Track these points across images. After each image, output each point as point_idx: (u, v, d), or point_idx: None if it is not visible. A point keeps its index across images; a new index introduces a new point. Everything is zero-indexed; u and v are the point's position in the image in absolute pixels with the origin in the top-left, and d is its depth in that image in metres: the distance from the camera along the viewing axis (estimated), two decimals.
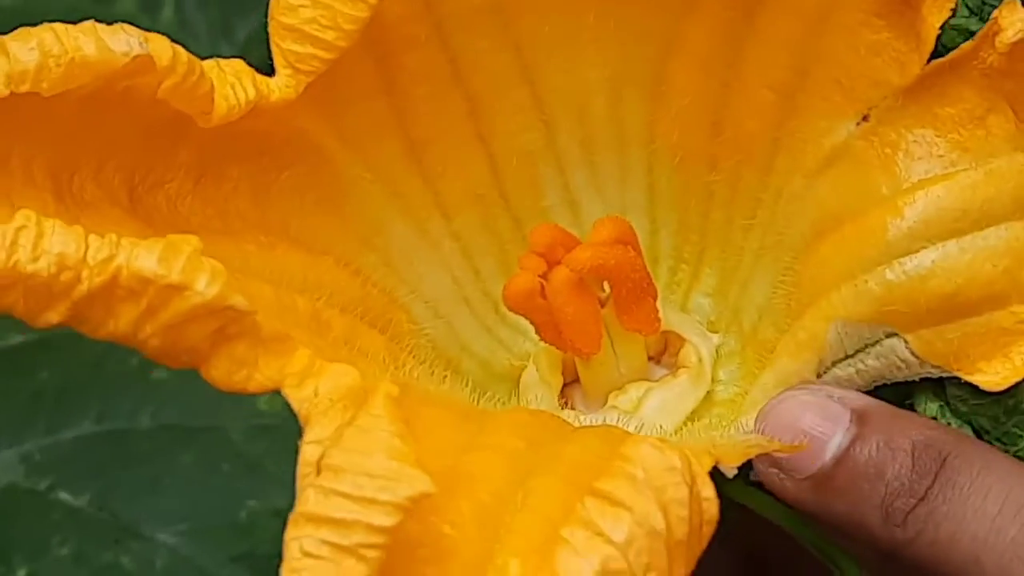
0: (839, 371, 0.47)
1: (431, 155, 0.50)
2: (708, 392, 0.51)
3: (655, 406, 0.50)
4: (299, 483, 0.39)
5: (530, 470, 0.42)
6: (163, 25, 0.80)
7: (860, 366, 0.47)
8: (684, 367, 0.51)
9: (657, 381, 0.51)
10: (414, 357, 0.49)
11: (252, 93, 0.44)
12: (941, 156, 0.46)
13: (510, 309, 0.49)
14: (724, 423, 0.50)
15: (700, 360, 0.51)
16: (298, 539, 0.37)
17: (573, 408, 0.51)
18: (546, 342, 0.50)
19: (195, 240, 0.40)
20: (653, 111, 0.51)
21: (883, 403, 0.46)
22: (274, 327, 0.41)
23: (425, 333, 0.51)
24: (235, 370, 0.41)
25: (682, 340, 0.52)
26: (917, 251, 0.46)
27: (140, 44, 0.41)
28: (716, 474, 0.47)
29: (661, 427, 0.49)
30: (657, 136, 0.51)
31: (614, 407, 0.50)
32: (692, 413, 0.51)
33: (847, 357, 0.47)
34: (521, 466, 0.42)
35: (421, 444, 0.40)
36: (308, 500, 0.37)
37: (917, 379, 0.47)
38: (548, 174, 0.52)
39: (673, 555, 0.39)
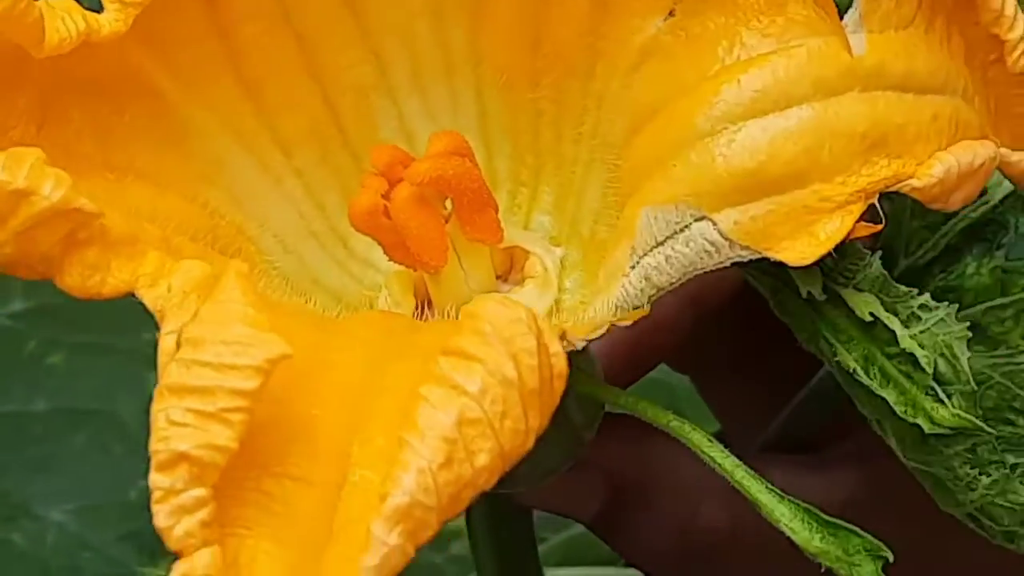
0: (650, 259, 0.48)
1: (266, 93, 0.52)
2: (556, 301, 0.53)
3: None
4: (159, 370, 0.40)
5: (388, 356, 0.43)
6: None
7: (670, 252, 0.48)
8: (530, 277, 0.53)
9: (505, 293, 0.53)
10: (267, 287, 0.51)
11: (82, 25, 0.45)
12: (743, 43, 0.48)
13: (357, 229, 0.51)
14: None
15: (545, 269, 0.53)
16: (164, 410, 0.39)
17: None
18: (395, 261, 0.52)
19: (38, 151, 0.42)
20: (475, 33, 0.53)
21: None
22: (123, 230, 0.43)
23: (276, 266, 0.52)
24: (88, 275, 0.43)
25: (527, 254, 0.54)
26: (720, 132, 0.47)
27: None
28: None
29: None
30: (482, 58, 0.54)
31: None
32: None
33: (657, 244, 0.48)
34: (379, 353, 0.44)
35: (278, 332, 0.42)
36: (171, 373, 0.39)
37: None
38: (382, 106, 0.54)
39: (527, 403, 0.41)
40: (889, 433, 0.50)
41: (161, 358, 0.40)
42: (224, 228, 0.51)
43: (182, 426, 0.38)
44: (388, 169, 0.51)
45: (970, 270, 0.57)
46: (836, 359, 0.50)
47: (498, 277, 0.54)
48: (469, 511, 0.63)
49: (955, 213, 0.58)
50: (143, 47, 0.48)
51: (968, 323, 0.54)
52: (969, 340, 0.54)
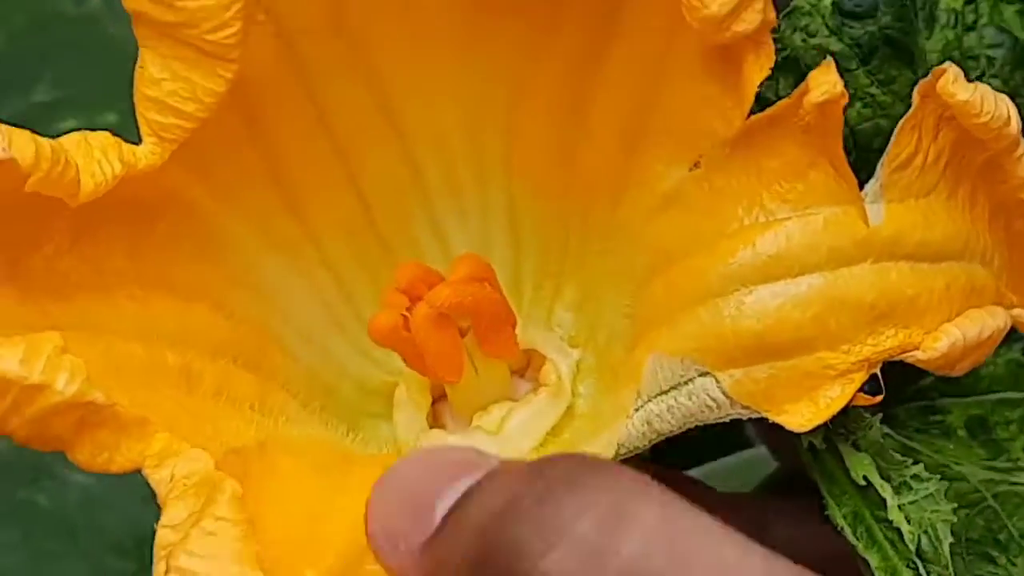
0: (653, 406, 0.50)
1: (301, 196, 0.54)
2: (569, 406, 0.55)
3: (517, 425, 0.54)
4: (155, 566, 0.43)
5: None
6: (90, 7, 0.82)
7: (672, 403, 0.49)
8: (544, 385, 0.55)
9: (519, 400, 0.55)
10: (287, 391, 0.53)
11: (119, 168, 0.47)
12: (763, 205, 0.49)
13: (376, 343, 0.53)
14: (584, 436, 0.53)
15: (559, 378, 0.55)
16: None
17: (443, 427, 0.55)
18: (413, 370, 0.54)
19: (56, 338, 0.43)
20: (509, 147, 0.54)
21: None
22: (135, 413, 0.45)
23: (298, 361, 0.54)
24: (97, 454, 0.45)
25: (543, 357, 0.55)
26: (731, 293, 0.49)
27: (2, 149, 0.44)
28: None
29: (519, 446, 0.53)
30: (514, 168, 0.55)
31: (479, 427, 0.54)
32: (553, 428, 0.54)
33: (662, 392, 0.49)
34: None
35: (274, 506, 0.44)
36: None
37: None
38: (415, 206, 0.55)
39: None
40: None
41: (156, 551, 0.43)
42: (248, 336, 0.52)
43: None
44: (411, 287, 0.52)
45: (987, 359, 0.58)
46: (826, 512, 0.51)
47: (514, 373, 0.56)
48: None
49: None
50: (179, 167, 0.49)
51: (976, 425, 0.56)
52: (971, 443, 0.56)
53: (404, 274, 0.52)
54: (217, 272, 0.52)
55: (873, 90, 0.55)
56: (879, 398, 0.50)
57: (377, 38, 0.53)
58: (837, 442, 0.51)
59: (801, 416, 0.49)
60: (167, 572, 0.42)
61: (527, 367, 0.56)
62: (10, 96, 0.78)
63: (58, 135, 0.46)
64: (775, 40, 0.53)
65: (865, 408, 0.50)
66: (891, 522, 0.50)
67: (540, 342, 0.56)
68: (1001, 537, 0.53)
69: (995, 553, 0.52)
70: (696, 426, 0.50)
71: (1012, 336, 0.57)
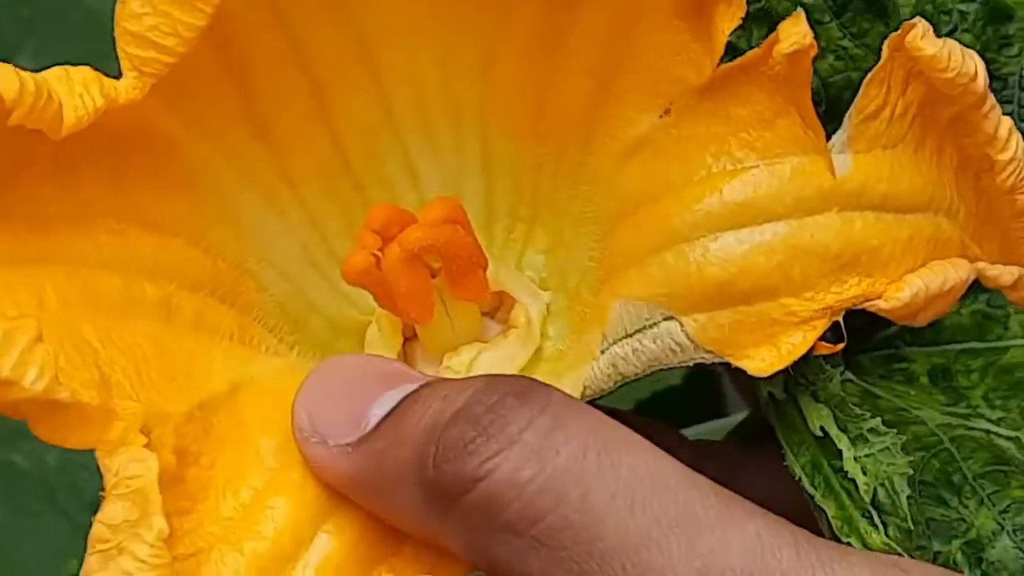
0: (618, 349, 0.51)
1: (276, 132, 0.54)
2: (538, 348, 0.56)
3: (485, 366, 0.55)
4: (87, 558, 0.44)
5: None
6: None
7: (637, 346, 0.50)
8: (514, 327, 0.56)
9: (488, 342, 0.55)
10: (263, 325, 0.54)
11: (100, 101, 0.47)
12: (731, 153, 0.50)
13: (349, 283, 0.54)
14: (551, 377, 0.54)
15: (528, 320, 0.56)
16: None
17: (414, 365, 0.56)
18: (384, 308, 0.55)
19: (31, 327, 0.44)
20: (484, 90, 0.55)
21: None
22: (98, 405, 0.46)
23: (274, 297, 0.55)
24: (55, 432, 0.46)
25: (513, 300, 0.56)
26: (697, 239, 0.49)
27: None
28: None
29: None
30: (488, 111, 0.55)
31: (448, 367, 0.55)
32: (521, 370, 0.55)
33: (627, 336, 0.51)
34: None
35: (227, 471, 0.47)
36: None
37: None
38: (388, 145, 0.56)
39: None
40: None
41: (91, 543, 0.44)
42: (225, 272, 0.53)
43: None
44: (384, 228, 0.53)
45: (951, 308, 0.59)
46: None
47: (485, 314, 0.57)
48: None
49: None
50: (157, 99, 0.50)
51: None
52: (933, 390, 0.57)
53: (377, 215, 0.53)
54: (194, 208, 0.53)
55: (845, 43, 0.55)
56: (840, 346, 0.51)
57: None
58: (797, 393, 0.52)
59: (763, 361, 0.50)
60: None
61: (498, 308, 0.57)
62: None
63: None
64: None
65: (829, 357, 0.51)
66: (848, 472, 0.51)
67: (511, 284, 0.56)
68: (955, 479, 0.54)
69: (948, 495, 0.53)
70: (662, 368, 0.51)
71: (977, 287, 0.58)
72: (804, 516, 0.53)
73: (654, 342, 0.51)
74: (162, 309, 0.50)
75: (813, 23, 0.53)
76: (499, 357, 0.55)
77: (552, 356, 0.56)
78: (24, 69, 0.46)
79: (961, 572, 0.52)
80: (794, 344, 0.50)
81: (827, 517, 0.50)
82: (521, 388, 0.46)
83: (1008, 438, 0.55)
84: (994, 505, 0.53)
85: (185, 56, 0.49)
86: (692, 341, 0.50)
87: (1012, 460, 0.54)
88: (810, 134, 0.50)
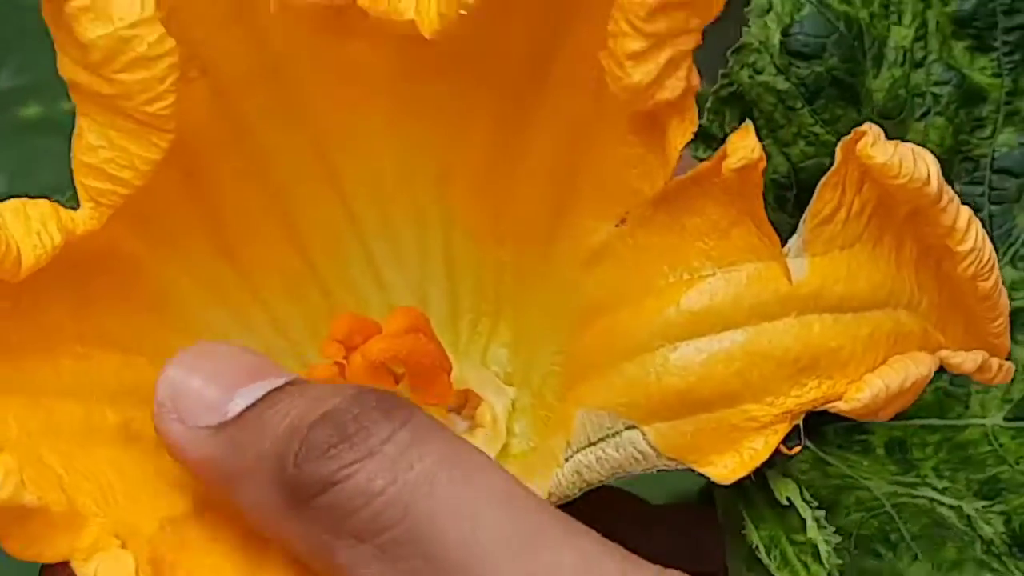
0: (582, 457, 0.51)
1: (241, 247, 0.55)
2: (505, 445, 0.57)
3: None
4: None
5: None
6: None
7: (600, 454, 0.51)
8: (480, 426, 0.56)
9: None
10: None
11: (58, 238, 0.48)
12: (687, 262, 0.50)
13: None
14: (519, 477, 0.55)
15: (494, 419, 0.56)
16: None
17: None
18: None
19: None
20: (443, 197, 0.56)
21: None
22: (65, 508, 0.46)
23: None
24: (29, 546, 0.46)
25: (479, 397, 0.57)
26: (656, 348, 0.50)
27: None
28: None
29: None
30: (449, 216, 0.56)
31: None
32: None
33: (590, 444, 0.51)
34: None
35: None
36: None
37: None
38: (353, 251, 0.56)
39: None
40: None
41: None
42: None
43: None
44: (347, 338, 0.53)
45: None
46: (742, 531, 0.53)
47: (451, 410, 0.57)
48: None
49: None
50: (119, 223, 0.50)
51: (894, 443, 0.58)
52: (886, 460, 0.58)
53: (340, 326, 0.54)
54: (160, 324, 0.53)
55: (817, 129, 0.56)
56: (797, 450, 0.51)
57: (311, 92, 0.54)
58: (763, 470, 0.53)
59: (725, 467, 0.50)
60: None
61: (464, 405, 0.57)
62: None
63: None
64: (724, 76, 0.55)
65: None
66: (807, 544, 0.51)
67: (475, 382, 0.57)
68: (892, 537, 0.55)
69: (883, 550, 0.54)
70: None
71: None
72: None
73: (617, 451, 0.51)
74: (121, 434, 0.50)
75: (786, 109, 0.54)
76: None
77: (519, 454, 0.57)
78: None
79: None
80: (756, 449, 0.50)
81: None
82: (388, 403, 0.48)
83: (950, 507, 0.56)
84: (929, 561, 0.54)
85: (142, 185, 0.49)
86: (654, 449, 0.50)
87: (950, 526, 0.55)
88: (765, 241, 0.50)
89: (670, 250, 0.51)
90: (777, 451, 0.51)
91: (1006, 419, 0.60)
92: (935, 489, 0.57)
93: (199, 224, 0.54)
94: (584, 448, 0.52)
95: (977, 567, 0.54)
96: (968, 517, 0.56)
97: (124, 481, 0.49)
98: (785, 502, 0.52)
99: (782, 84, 0.56)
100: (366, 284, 0.57)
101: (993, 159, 0.61)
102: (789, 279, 0.50)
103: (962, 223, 0.51)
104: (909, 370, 0.51)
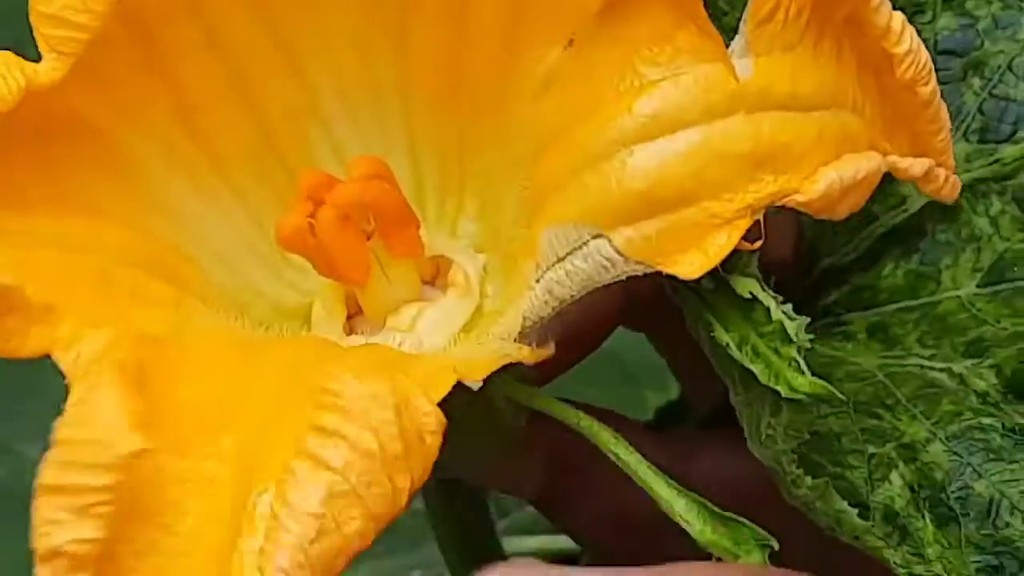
0: (552, 274, 0.52)
1: (203, 122, 0.56)
2: (478, 306, 0.57)
3: (428, 323, 0.56)
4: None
5: (292, 399, 0.47)
6: None
7: (569, 267, 0.51)
8: (452, 286, 0.57)
9: (429, 301, 0.57)
10: (204, 303, 0.55)
11: (22, 81, 0.49)
12: (636, 71, 0.51)
13: (285, 249, 0.55)
14: (493, 319, 0.56)
15: (467, 278, 0.57)
16: (40, 508, 0.44)
17: (359, 334, 0.57)
18: (323, 275, 0.56)
19: None
20: (400, 67, 0.57)
21: None
22: (43, 298, 0.47)
23: (214, 282, 0.56)
24: (8, 339, 0.47)
25: (450, 262, 0.58)
26: (614, 155, 0.51)
27: None
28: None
29: (431, 343, 0.55)
30: (408, 88, 0.57)
31: (392, 328, 0.56)
32: (464, 326, 0.57)
33: (559, 260, 0.52)
34: (284, 396, 0.48)
35: (188, 383, 0.46)
36: (43, 474, 0.44)
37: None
38: (314, 129, 0.58)
39: (391, 468, 0.45)
40: (744, 420, 0.54)
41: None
42: (163, 253, 0.54)
43: (56, 523, 0.43)
44: (313, 192, 0.54)
45: (886, 271, 0.61)
46: (713, 336, 0.53)
47: (425, 282, 0.58)
48: (426, 490, 0.67)
49: (876, 218, 0.62)
50: (80, 86, 0.51)
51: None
52: (869, 341, 0.59)
53: (306, 180, 0.55)
54: (126, 195, 0.54)
55: None
56: (759, 243, 0.52)
57: None
58: (723, 275, 0.54)
59: (691, 265, 0.51)
60: (51, 445, 0.44)
61: (436, 275, 0.58)
62: None
63: None
64: None
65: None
66: (775, 332, 0.52)
67: (446, 248, 0.58)
68: (888, 401, 0.56)
69: (881, 412, 0.55)
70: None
71: (910, 247, 0.60)
72: (763, 496, 0.55)
73: (585, 261, 0.52)
74: (99, 278, 0.51)
75: None
76: (440, 313, 0.56)
77: (492, 311, 0.57)
78: None
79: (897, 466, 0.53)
80: (719, 245, 0.51)
81: (755, 379, 0.51)
82: None
83: (940, 370, 0.57)
84: (927, 419, 0.55)
85: (107, 40, 0.51)
86: (621, 255, 0.51)
87: (943, 386, 0.56)
88: (709, 43, 0.51)
89: (618, 62, 0.52)
90: (739, 248, 0.51)
91: (979, 286, 0.61)
92: (922, 357, 0.58)
93: (160, 98, 0.55)
94: (553, 265, 0.52)
95: (975, 414, 0.55)
96: (960, 376, 0.57)
97: (104, 310, 0.49)
98: (748, 296, 0.52)
99: None
100: (330, 165, 0.58)
101: (936, 42, 0.62)
102: (736, 78, 0.51)
103: (896, 25, 0.52)
104: (860, 163, 0.52)
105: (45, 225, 0.51)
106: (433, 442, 0.46)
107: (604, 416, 0.56)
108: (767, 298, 0.52)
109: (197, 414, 0.46)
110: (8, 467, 0.80)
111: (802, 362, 0.51)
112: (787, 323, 0.52)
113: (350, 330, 0.57)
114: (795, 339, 0.51)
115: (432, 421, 0.46)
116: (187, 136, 0.56)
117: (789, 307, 0.53)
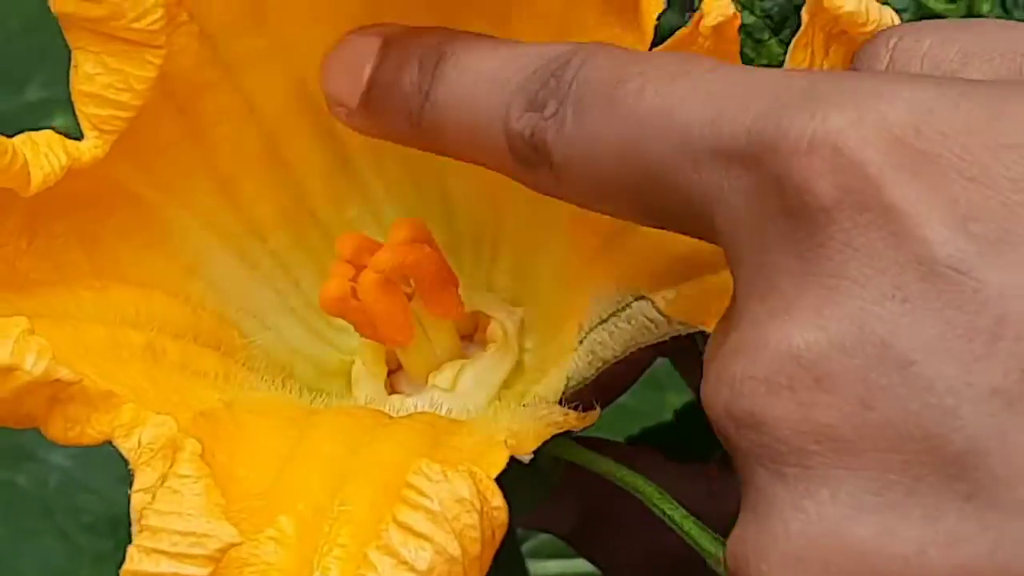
0: (595, 335, 0.52)
1: (240, 187, 0.56)
2: (518, 361, 0.58)
3: (469, 381, 0.56)
4: (132, 528, 0.45)
5: (347, 475, 0.48)
6: None
7: (613, 329, 0.52)
8: (492, 342, 0.57)
9: (469, 358, 0.57)
10: (248, 368, 0.55)
11: (64, 159, 0.49)
12: None
13: (328, 313, 0.56)
14: (534, 381, 0.56)
15: (505, 333, 0.57)
16: None
17: (400, 392, 0.58)
18: (365, 337, 0.56)
19: (23, 321, 0.46)
20: None
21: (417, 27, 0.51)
22: (102, 387, 0.47)
23: (256, 344, 0.57)
24: (70, 428, 0.47)
25: (489, 318, 0.58)
26: None
27: None
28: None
29: (476, 403, 0.56)
30: None
31: (434, 386, 0.56)
32: (504, 382, 0.57)
33: (602, 322, 0.52)
34: (339, 472, 0.48)
35: (244, 460, 0.47)
36: (132, 559, 0.44)
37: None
38: (348, 189, 0.58)
39: (469, 570, 0.45)
40: None
41: (132, 514, 0.45)
42: (206, 320, 0.55)
43: None
44: (354, 256, 0.55)
45: None
46: None
47: (464, 338, 0.59)
48: None
49: None
50: (122, 162, 0.52)
51: None
52: None
53: (346, 244, 0.55)
54: (168, 263, 0.55)
55: (784, 57, 0.58)
56: None
57: (294, 31, 0.56)
58: None
59: None
60: (140, 532, 0.45)
61: (475, 331, 0.59)
62: (3, 95, 0.81)
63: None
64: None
65: None
66: None
67: (484, 304, 0.58)
68: None
69: None
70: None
71: None
72: None
73: (628, 323, 0.52)
74: (148, 352, 0.51)
75: (754, 42, 0.56)
76: (481, 369, 0.57)
77: (532, 367, 0.58)
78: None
79: None
80: None
81: None
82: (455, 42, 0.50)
83: None
84: None
85: (147, 113, 0.51)
86: (664, 316, 0.52)
87: None
88: None
89: None
90: None
91: None
92: None
93: (198, 167, 0.55)
94: (596, 327, 0.53)
95: None
96: None
97: (155, 387, 0.50)
98: None
99: (748, 18, 0.58)
100: (366, 225, 0.59)
101: None
102: None
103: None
104: None
105: (91, 300, 0.52)
106: (499, 535, 0.46)
107: (629, 455, 0.57)
108: None
109: (253, 494, 0.47)
110: (32, 474, 0.80)
111: None
112: None
113: (391, 388, 0.58)
114: None
115: (502, 515, 0.46)
116: (225, 202, 0.56)
117: None
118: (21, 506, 0.81)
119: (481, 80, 0.48)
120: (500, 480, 0.48)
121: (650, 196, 0.44)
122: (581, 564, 0.87)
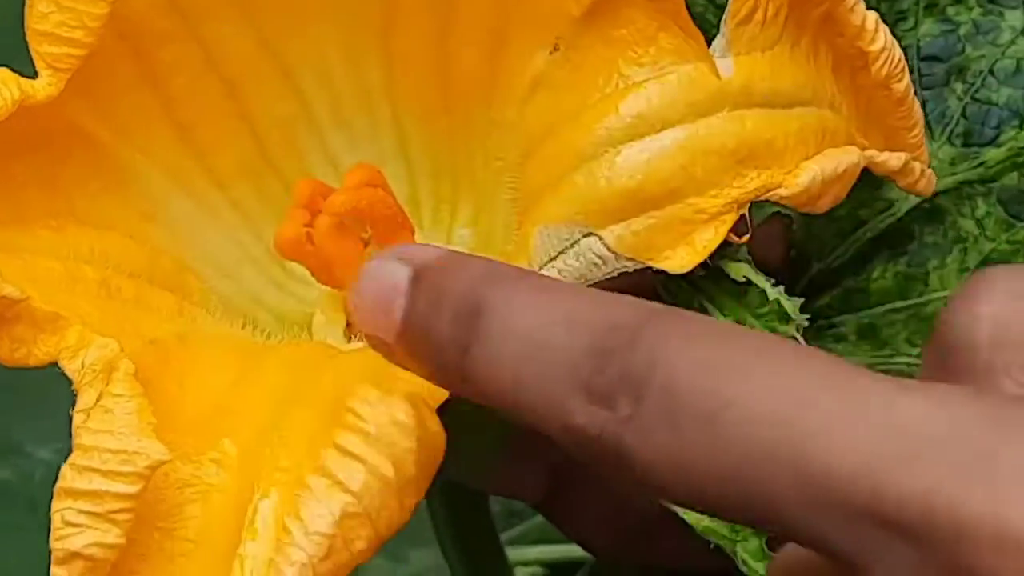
0: (546, 272, 0.53)
1: (199, 135, 0.57)
2: None
3: None
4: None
5: (292, 402, 0.48)
6: None
7: (562, 266, 0.53)
8: None
9: None
10: (206, 311, 0.56)
11: (17, 93, 0.50)
12: (621, 73, 0.53)
13: (283, 257, 0.56)
14: None
15: None
16: (60, 511, 0.45)
17: (360, 339, 0.58)
18: (322, 283, 0.57)
19: None
20: (389, 70, 0.58)
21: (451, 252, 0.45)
22: (48, 308, 0.48)
23: (216, 292, 0.57)
24: (16, 348, 0.48)
25: None
26: (602, 155, 0.52)
27: None
28: None
29: None
30: (397, 91, 0.58)
31: None
32: None
33: (551, 259, 0.53)
34: (284, 399, 0.49)
35: (193, 388, 0.47)
36: (65, 477, 0.45)
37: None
38: (307, 139, 0.59)
39: (404, 492, 0.46)
40: None
41: (74, 432, 0.46)
42: (164, 263, 0.56)
43: (76, 526, 0.44)
44: (310, 201, 0.56)
45: (875, 274, 0.63)
46: None
47: None
48: (429, 497, 0.68)
49: (864, 223, 0.63)
50: (78, 101, 0.53)
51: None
52: (859, 342, 0.60)
53: (302, 190, 0.56)
54: (127, 208, 0.56)
55: None
56: (747, 237, 0.53)
57: None
58: (715, 262, 0.55)
59: (680, 259, 0.52)
60: (74, 450, 0.45)
61: None
62: None
63: None
64: None
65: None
66: (772, 311, 0.53)
67: None
68: None
69: None
70: None
71: (898, 250, 0.61)
72: None
73: (577, 259, 0.53)
74: (102, 288, 0.52)
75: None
76: None
77: None
78: None
79: None
80: (707, 239, 0.52)
81: None
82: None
83: None
84: None
85: (104, 56, 0.52)
86: (612, 252, 0.52)
87: None
88: (691, 43, 0.53)
89: (603, 64, 0.53)
90: (727, 240, 0.52)
91: None
92: (910, 355, 0.59)
93: (155, 113, 0.56)
94: (545, 264, 0.53)
95: None
96: None
97: (106, 317, 0.50)
98: (742, 279, 0.54)
99: None
100: (324, 174, 0.59)
101: (919, 48, 0.64)
102: (718, 77, 0.52)
103: (871, 24, 0.54)
104: (840, 158, 0.53)
105: (47, 238, 0.53)
106: (438, 456, 0.46)
107: None
108: (761, 280, 0.54)
109: (199, 418, 0.47)
110: (18, 469, 0.81)
111: (801, 339, 0.52)
112: (784, 302, 0.53)
113: (351, 336, 0.58)
114: (793, 317, 0.52)
115: (439, 440, 0.46)
116: (185, 150, 0.57)
117: (782, 289, 0.54)
118: (6, 501, 0.81)
119: (527, 347, 0.42)
120: (455, 424, 0.48)
121: (762, 522, 0.39)
122: (566, 549, 0.88)
